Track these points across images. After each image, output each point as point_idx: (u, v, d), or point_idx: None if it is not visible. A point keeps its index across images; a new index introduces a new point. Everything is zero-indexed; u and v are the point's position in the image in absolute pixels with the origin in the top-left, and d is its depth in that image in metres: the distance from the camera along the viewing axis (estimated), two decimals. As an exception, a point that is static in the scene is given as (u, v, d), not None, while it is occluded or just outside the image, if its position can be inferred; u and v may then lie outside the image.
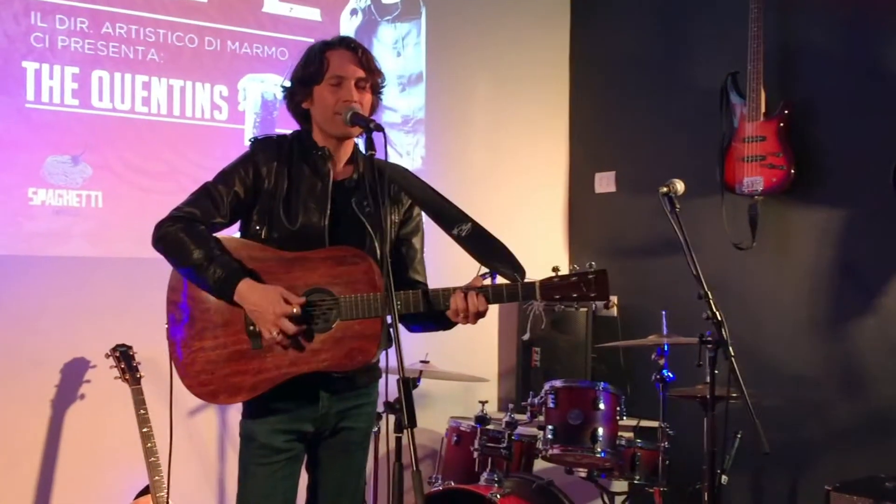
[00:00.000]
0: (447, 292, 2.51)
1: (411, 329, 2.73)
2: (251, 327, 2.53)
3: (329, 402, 2.65)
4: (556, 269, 2.52)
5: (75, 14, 3.93)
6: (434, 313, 2.54)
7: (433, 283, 2.72)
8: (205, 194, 2.62)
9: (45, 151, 3.88)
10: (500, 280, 2.53)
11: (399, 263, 2.75)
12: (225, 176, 2.64)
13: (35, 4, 3.84)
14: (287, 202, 2.62)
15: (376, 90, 2.72)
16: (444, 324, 2.60)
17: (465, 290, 2.49)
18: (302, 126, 2.75)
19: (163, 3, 4.14)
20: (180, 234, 2.53)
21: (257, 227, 2.63)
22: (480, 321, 2.56)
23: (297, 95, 2.69)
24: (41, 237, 3.86)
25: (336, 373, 2.56)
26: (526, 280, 2.50)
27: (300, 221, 2.61)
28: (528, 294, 2.49)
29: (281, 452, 2.63)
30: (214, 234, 2.61)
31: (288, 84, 2.74)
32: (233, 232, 2.70)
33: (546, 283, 2.50)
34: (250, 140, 2.72)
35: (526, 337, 4.62)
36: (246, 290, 2.49)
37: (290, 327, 2.46)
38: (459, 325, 2.61)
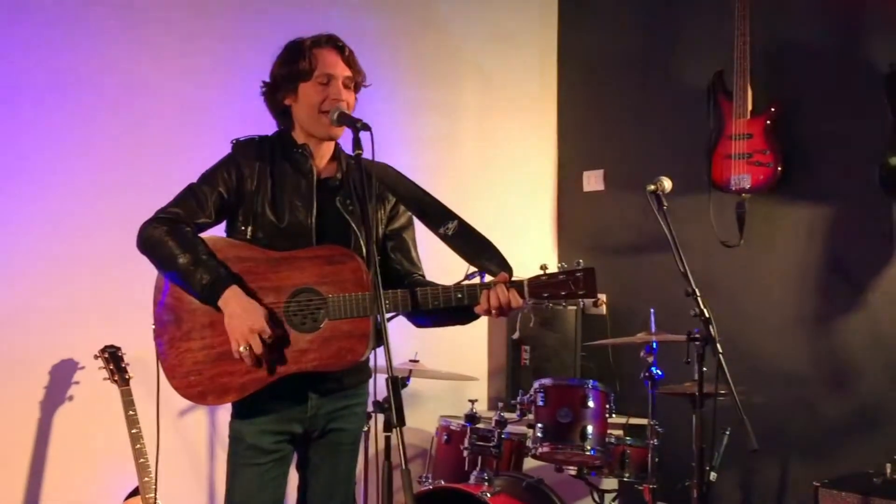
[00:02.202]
0: (448, 290, 2.51)
1: (417, 322, 2.71)
2: None
3: (318, 402, 2.64)
4: (544, 268, 2.52)
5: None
6: (445, 308, 2.53)
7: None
8: (189, 195, 2.61)
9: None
10: (487, 278, 2.53)
11: (394, 259, 2.76)
12: (208, 177, 2.63)
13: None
14: (273, 201, 2.62)
15: (358, 90, 2.72)
16: (463, 318, 2.60)
17: (493, 286, 2.47)
18: (281, 123, 2.73)
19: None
20: (165, 237, 2.52)
21: (242, 228, 2.62)
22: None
23: (280, 92, 2.68)
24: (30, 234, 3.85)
25: (325, 373, 2.55)
26: (514, 279, 2.50)
27: (287, 220, 2.60)
28: (517, 292, 2.50)
29: (269, 453, 2.62)
30: (200, 235, 2.60)
31: (268, 80, 2.71)
32: (218, 232, 2.69)
33: (534, 282, 2.50)
34: (231, 142, 2.70)
35: (515, 336, 4.62)
36: (231, 296, 2.48)
37: (258, 347, 2.45)
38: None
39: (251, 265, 2.55)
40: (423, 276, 2.78)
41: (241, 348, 2.45)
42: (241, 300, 2.48)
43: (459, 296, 2.50)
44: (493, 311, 2.48)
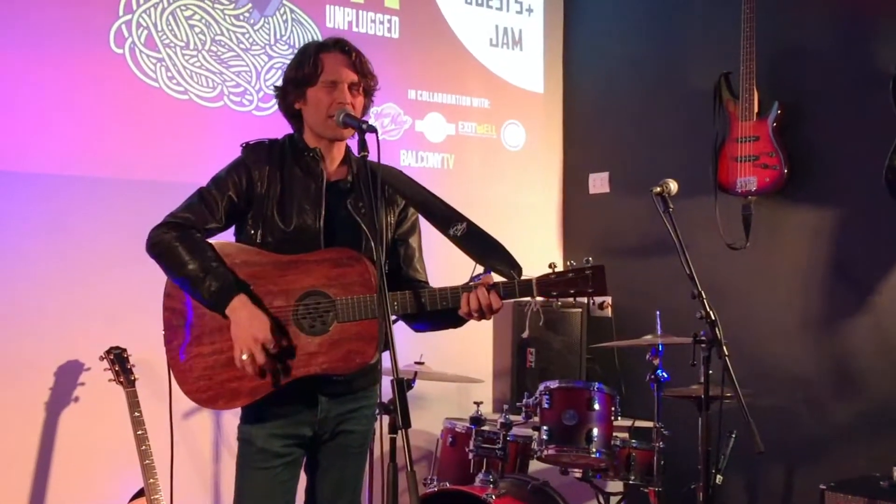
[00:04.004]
0: (445, 292, 2.51)
1: (415, 328, 2.72)
2: None
3: (328, 405, 2.64)
4: (552, 266, 2.51)
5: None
6: (439, 311, 2.53)
7: (431, 282, 2.72)
8: (199, 199, 2.61)
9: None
10: (496, 278, 2.53)
11: (398, 263, 2.75)
12: (218, 181, 2.63)
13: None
14: (281, 205, 2.62)
15: (368, 93, 2.72)
16: (455, 321, 2.59)
17: (475, 288, 2.48)
18: (293, 126, 2.75)
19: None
20: (175, 243, 2.53)
21: (252, 232, 2.62)
22: (476, 323, 2.56)
23: (290, 96, 2.69)
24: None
25: (335, 376, 2.55)
26: (523, 277, 2.50)
27: (294, 223, 2.60)
28: (525, 291, 2.49)
29: (279, 457, 2.61)
30: (209, 240, 2.60)
31: (280, 84, 2.74)
32: (227, 236, 2.69)
33: (543, 280, 2.49)
34: (241, 145, 2.70)
35: (525, 334, 4.60)
36: (239, 306, 2.48)
37: (261, 357, 2.44)
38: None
39: (259, 269, 2.54)
40: (426, 281, 2.78)
41: (244, 356, 2.45)
42: (248, 309, 2.48)
43: (444, 302, 2.50)
44: (474, 314, 2.48)
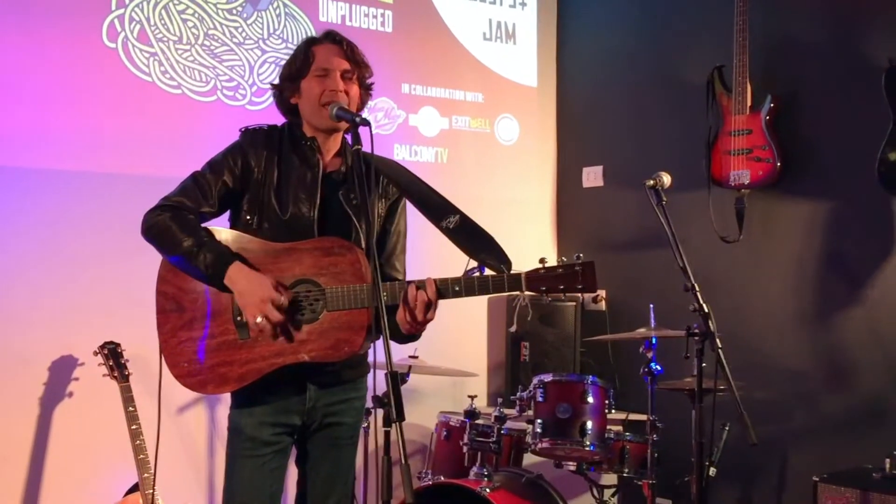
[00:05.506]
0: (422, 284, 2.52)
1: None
2: (238, 318, 2.53)
3: (316, 394, 2.65)
4: (542, 261, 2.51)
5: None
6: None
7: (422, 275, 2.72)
8: (193, 183, 2.62)
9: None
10: (487, 272, 2.53)
11: (379, 258, 2.76)
12: (213, 165, 2.64)
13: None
14: (278, 191, 2.63)
15: (363, 83, 2.73)
16: (399, 335, 2.58)
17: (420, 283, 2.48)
18: (291, 122, 2.75)
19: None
20: (169, 223, 2.54)
21: (248, 217, 2.63)
22: (470, 316, 2.56)
23: (286, 91, 2.71)
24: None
25: (324, 364, 2.56)
26: (512, 272, 2.50)
27: (290, 211, 2.62)
28: (514, 285, 2.48)
29: (268, 445, 2.62)
30: (203, 224, 2.60)
31: (276, 82, 2.76)
32: (222, 222, 2.70)
33: (532, 275, 2.49)
34: (240, 130, 2.72)
35: (513, 328, 4.61)
36: (236, 274, 2.49)
37: (275, 315, 2.45)
38: (449, 320, 2.61)
39: (252, 256, 2.55)
40: (400, 278, 2.77)
41: (258, 320, 2.45)
42: (246, 274, 2.49)
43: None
44: (410, 306, 2.47)
